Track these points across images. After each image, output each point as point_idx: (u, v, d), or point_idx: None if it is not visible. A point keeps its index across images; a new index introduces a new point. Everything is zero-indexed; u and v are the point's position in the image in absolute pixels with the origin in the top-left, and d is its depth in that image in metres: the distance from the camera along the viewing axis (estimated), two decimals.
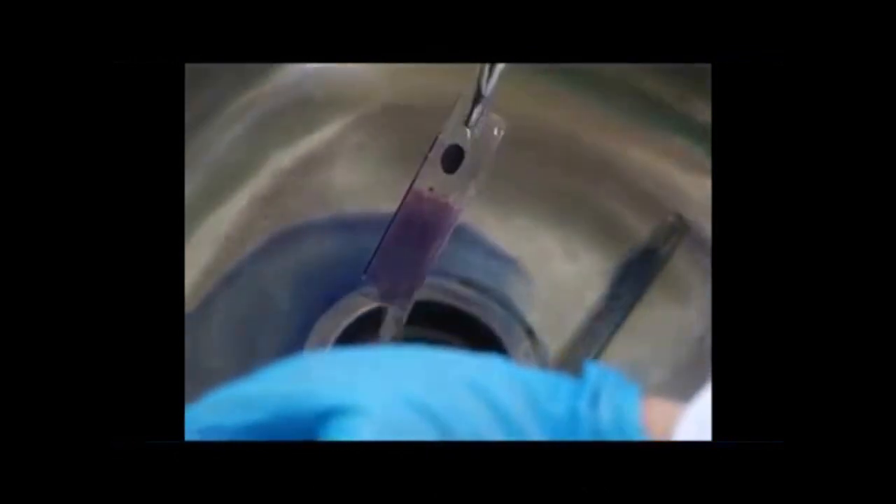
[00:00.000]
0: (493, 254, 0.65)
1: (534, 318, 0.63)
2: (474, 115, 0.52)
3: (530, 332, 0.63)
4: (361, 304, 0.63)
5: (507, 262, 0.65)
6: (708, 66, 0.43)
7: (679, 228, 0.65)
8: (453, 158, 0.53)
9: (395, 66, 0.68)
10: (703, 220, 0.65)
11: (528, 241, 0.66)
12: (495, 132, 0.52)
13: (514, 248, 0.65)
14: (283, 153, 0.67)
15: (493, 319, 0.63)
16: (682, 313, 0.64)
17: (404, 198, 0.53)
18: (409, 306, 0.55)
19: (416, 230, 0.53)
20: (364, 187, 0.66)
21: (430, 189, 0.53)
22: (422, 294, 0.60)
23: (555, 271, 0.65)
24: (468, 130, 0.52)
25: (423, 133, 0.65)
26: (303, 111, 0.67)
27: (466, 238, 0.65)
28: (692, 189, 0.66)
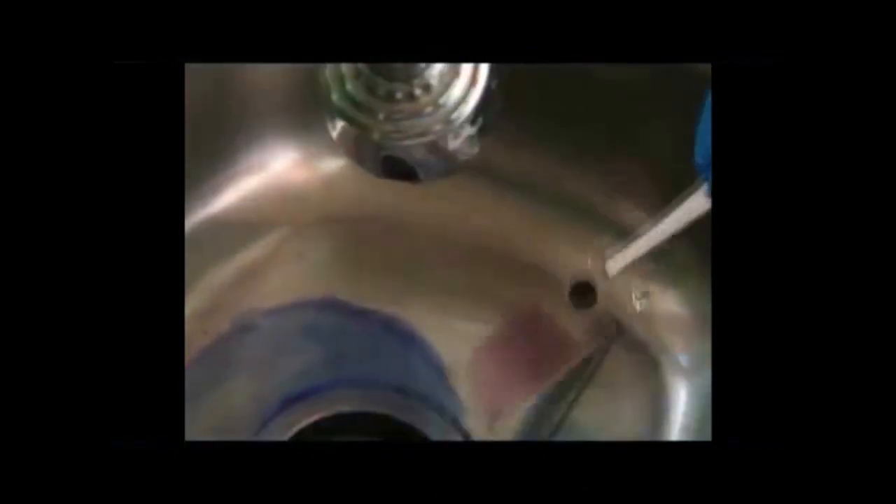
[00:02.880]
0: (430, 360, 0.65)
1: (470, 423, 0.63)
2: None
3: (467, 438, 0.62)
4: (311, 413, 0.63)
5: (443, 369, 0.65)
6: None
7: (611, 330, 0.65)
8: None
9: (328, 178, 0.68)
10: (638, 322, 0.65)
11: (464, 345, 0.65)
12: None
13: (451, 353, 0.65)
14: (220, 269, 0.67)
15: (428, 426, 0.63)
16: (616, 409, 0.64)
17: None
18: None
19: None
20: (303, 290, 0.67)
21: None
22: (355, 405, 0.60)
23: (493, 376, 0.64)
24: None
25: (360, 240, 0.67)
26: (238, 228, 0.67)
27: (404, 345, 0.65)
28: (628, 290, 0.65)
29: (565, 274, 0.66)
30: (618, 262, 0.49)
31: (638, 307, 0.52)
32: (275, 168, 0.68)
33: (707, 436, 0.58)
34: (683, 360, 0.64)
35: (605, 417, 0.63)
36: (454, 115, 0.47)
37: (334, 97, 0.47)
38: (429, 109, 0.46)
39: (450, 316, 0.66)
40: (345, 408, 0.63)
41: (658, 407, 0.63)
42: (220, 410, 0.63)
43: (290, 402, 0.63)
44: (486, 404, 0.48)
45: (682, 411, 0.63)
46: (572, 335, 0.50)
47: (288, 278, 0.67)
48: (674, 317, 0.65)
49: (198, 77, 0.59)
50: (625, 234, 0.65)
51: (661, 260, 0.64)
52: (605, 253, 0.50)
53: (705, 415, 0.62)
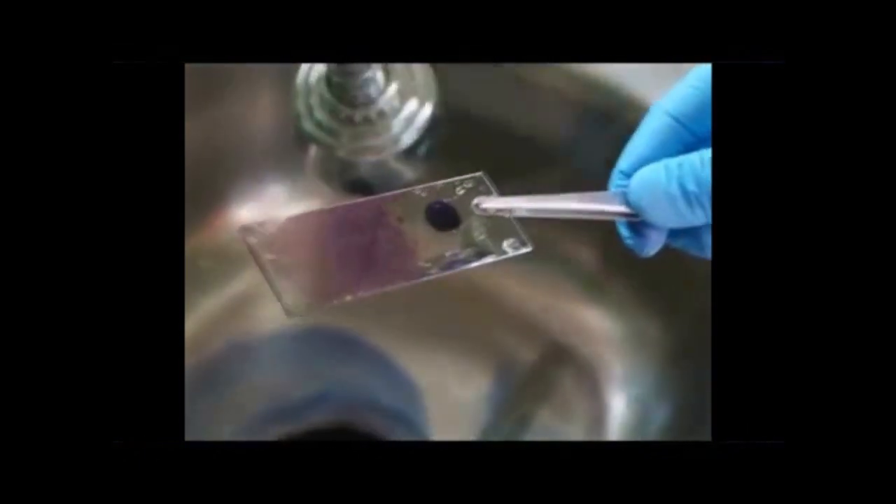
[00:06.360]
0: (404, 381, 0.69)
1: (435, 435, 0.68)
2: None
3: None
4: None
5: (415, 388, 0.69)
6: None
7: (560, 353, 0.69)
8: None
9: None
10: (580, 344, 0.69)
11: (433, 370, 0.70)
12: None
13: (422, 376, 0.70)
14: (213, 297, 0.69)
15: (398, 436, 0.67)
16: (568, 429, 0.67)
17: None
18: None
19: None
20: (284, 326, 0.69)
21: None
22: (332, 418, 0.66)
23: (454, 395, 0.69)
24: None
25: None
26: (223, 260, 0.69)
27: (381, 368, 0.70)
28: (569, 316, 0.70)
29: (519, 304, 0.70)
30: (492, 202, 0.45)
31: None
32: (265, 204, 0.70)
33: (643, 434, 0.63)
34: (620, 372, 0.68)
35: (556, 436, 0.67)
36: (402, 138, 0.53)
37: (306, 125, 0.53)
38: (382, 132, 0.52)
39: (421, 344, 0.70)
40: (322, 421, 0.68)
41: (599, 412, 0.67)
42: (205, 427, 0.66)
43: (270, 417, 0.67)
44: (300, 278, 0.43)
45: (621, 413, 0.66)
46: (418, 253, 0.44)
47: (276, 307, 0.70)
48: (612, 338, 0.69)
49: (199, 121, 0.63)
50: (564, 268, 0.69)
51: (594, 288, 0.69)
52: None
53: (641, 416, 0.66)
